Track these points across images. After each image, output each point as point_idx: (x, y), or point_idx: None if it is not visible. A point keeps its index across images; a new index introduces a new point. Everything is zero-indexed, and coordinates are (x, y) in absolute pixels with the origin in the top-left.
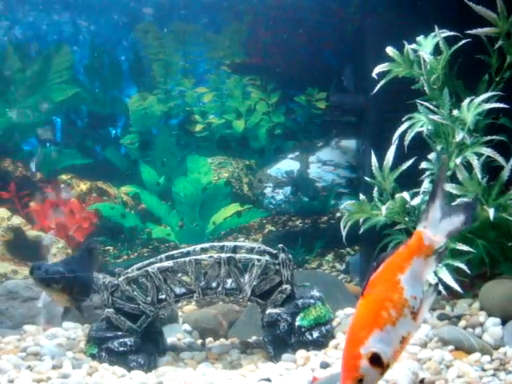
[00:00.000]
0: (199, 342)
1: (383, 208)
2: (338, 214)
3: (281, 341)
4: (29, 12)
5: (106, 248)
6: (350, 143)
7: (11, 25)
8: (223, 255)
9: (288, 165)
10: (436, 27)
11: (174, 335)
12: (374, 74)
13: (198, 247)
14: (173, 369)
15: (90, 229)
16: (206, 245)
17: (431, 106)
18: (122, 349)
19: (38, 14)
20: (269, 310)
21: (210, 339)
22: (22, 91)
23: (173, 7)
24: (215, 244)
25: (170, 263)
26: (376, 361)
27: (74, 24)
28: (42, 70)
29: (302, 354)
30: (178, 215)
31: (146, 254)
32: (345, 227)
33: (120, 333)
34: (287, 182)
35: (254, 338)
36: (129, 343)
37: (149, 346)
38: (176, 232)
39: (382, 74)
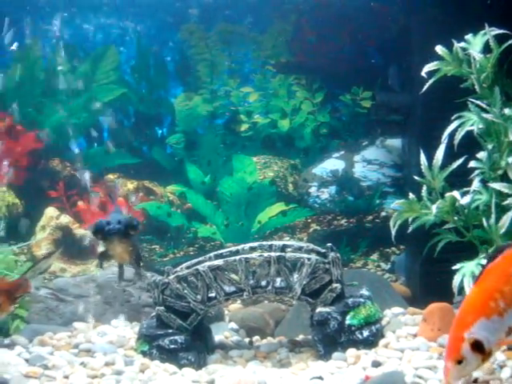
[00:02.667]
0: (247, 340)
1: (433, 207)
2: (383, 214)
3: (331, 339)
4: (77, 14)
5: (153, 247)
6: (395, 142)
7: (60, 27)
8: (273, 254)
9: (333, 164)
10: (486, 25)
11: (221, 333)
12: (423, 73)
13: (246, 246)
14: (222, 367)
15: None
16: (255, 244)
17: (483, 105)
18: (172, 346)
19: (85, 16)
20: (319, 309)
21: (257, 338)
22: (70, 92)
23: (218, 7)
24: (264, 243)
25: (220, 262)
26: (478, 347)
27: (121, 25)
28: (90, 71)
29: (352, 352)
30: (223, 214)
31: (191, 253)
32: (394, 226)
33: (170, 330)
34: (332, 181)
35: (301, 336)
36: (179, 341)
37: (198, 343)
38: (221, 231)
39: (429, 73)
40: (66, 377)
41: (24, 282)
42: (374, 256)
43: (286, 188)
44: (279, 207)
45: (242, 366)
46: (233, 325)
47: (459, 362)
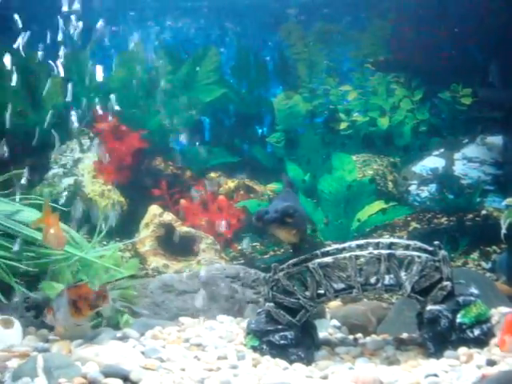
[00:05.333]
0: (351, 337)
1: None
2: (484, 212)
3: (441, 338)
4: (178, 17)
5: (254, 244)
6: (496, 139)
7: (161, 30)
8: (383, 252)
9: (433, 162)
10: None
11: (324, 330)
12: None
13: (353, 243)
14: (332, 363)
15: (238, 225)
16: (362, 241)
17: None
18: (282, 342)
19: (186, 19)
20: (429, 307)
21: (360, 335)
22: (172, 93)
23: (316, 7)
24: (370, 241)
25: (329, 259)
26: None
27: (221, 27)
28: (191, 72)
29: (463, 351)
30: (323, 212)
31: (291, 250)
32: (504, 224)
33: (280, 326)
34: (432, 179)
35: (405, 334)
36: (289, 336)
37: (307, 339)
38: (321, 229)
39: None
40: (183, 369)
41: (104, 293)
42: (475, 255)
43: (386, 186)
44: (379, 205)
45: (350, 362)
46: (335, 322)
47: None
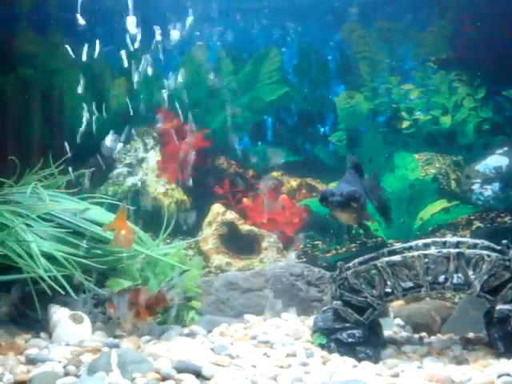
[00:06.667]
0: (416, 336)
1: None
2: None
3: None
4: (240, 17)
5: (315, 242)
6: None
7: (224, 30)
8: (453, 250)
9: (496, 160)
10: None
11: (388, 329)
12: None
13: (420, 242)
14: (400, 361)
15: (300, 224)
16: (428, 240)
17: None
18: (350, 340)
19: (248, 19)
20: (499, 306)
21: (424, 334)
22: (235, 92)
23: (377, 5)
24: (437, 239)
25: (398, 257)
26: None
27: (282, 26)
28: (253, 72)
29: None
30: None
31: (353, 249)
32: None
33: (348, 324)
34: (495, 177)
35: (471, 334)
36: (357, 335)
37: (373, 338)
38: (383, 228)
39: None
40: (254, 366)
41: (161, 295)
42: None
43: (449, 185)
44: (441, 204)
45: (418, 361)
46: (398, 321)
47: None
